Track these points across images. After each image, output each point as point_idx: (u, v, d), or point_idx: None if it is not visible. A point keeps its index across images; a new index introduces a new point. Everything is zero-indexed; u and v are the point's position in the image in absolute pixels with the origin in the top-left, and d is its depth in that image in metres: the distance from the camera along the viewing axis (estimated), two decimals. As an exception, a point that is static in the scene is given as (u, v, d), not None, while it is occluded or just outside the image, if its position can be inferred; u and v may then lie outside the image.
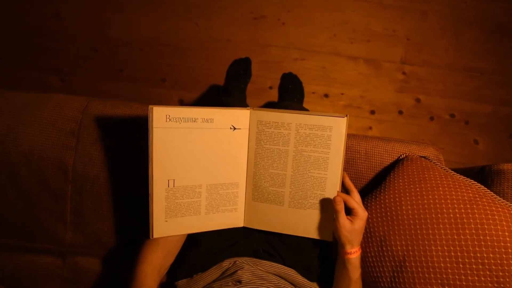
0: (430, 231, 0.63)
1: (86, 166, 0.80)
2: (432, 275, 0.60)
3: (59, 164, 0.79)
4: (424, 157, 0.79)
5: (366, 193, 0.77)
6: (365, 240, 0.70)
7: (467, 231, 0.60)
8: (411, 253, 0.63)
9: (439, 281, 0.59)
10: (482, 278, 0.57)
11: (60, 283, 0.82)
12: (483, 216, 0.60)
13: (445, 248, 0.61)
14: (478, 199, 0.63)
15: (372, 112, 1.47)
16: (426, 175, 0.70)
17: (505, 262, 0.56)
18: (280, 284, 0.61)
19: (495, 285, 0.56)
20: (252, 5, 1.45)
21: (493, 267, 0.56)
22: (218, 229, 0.66)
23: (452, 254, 0.60)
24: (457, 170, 0.74)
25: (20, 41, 1.46)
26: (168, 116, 0.58)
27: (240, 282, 0.58)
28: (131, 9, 1.46)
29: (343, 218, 0.59)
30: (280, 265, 0.67)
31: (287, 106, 1.02)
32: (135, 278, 0.59)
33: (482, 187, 0.67)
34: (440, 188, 0.66)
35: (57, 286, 0.81)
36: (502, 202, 0.62)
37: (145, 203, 0.61)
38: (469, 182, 0.68)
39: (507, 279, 0.55)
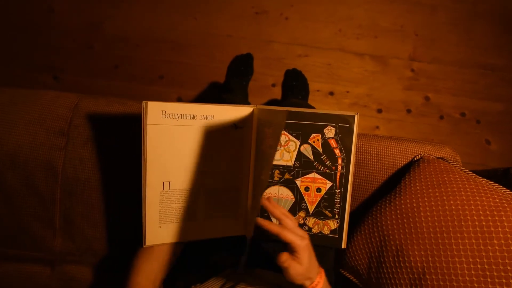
0: (453, 241, 0.57)
1: (77, 168, 0.76)
2: (456, 290, 0.54)
3: (48, 165, 0.75)
4: (442, 158, 0.73)
5: (378, 197, 0.72)
6: (379, 250, 0.64)
7: (495, 241, 0.54)
8: (431, 264, 0.57)
9: (465, 297, 0.53)
10: (514, 294, 0.51)
11: (48, 294, 0.78)
12: (513, 224, 0.54)
13: (470, 260, 0.55)
14: (505, 205, 0.57)
15: (379, 111, 1.42)
16: (445, 178, 0.64)
17: (540, 276, 0.50)
18: (285, 297, 0.56)
19: (529, 302, 0.50)
20: (254, -1, 1.43)
21: (527, 282, 0.50)
22: (217, 237, 0.61)
23: (478, 266, 0.54)
24: (476, 172, 0.68)
25: (11, 37, 1.43)
26: (164, 112, 0.54)
27: None
28: (128, 3, 1.42)
29: (293, 269, 0.49)
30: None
31: (293, 104, 0.97)
32: None
33: (509, 191, 0.61)
34: (463, 193, 0.60)
35: (46, 297, 0.77)
36: (533, 208, 0.56)
37: (139, 208, 0.57)
38: (494, 186, 0.62)
39: (543, 296, 0.49)
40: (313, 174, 0.59)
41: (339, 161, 0.58)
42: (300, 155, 0.59)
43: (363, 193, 0.75)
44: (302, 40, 1.42)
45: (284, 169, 0.60)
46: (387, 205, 0.66)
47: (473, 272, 0.54)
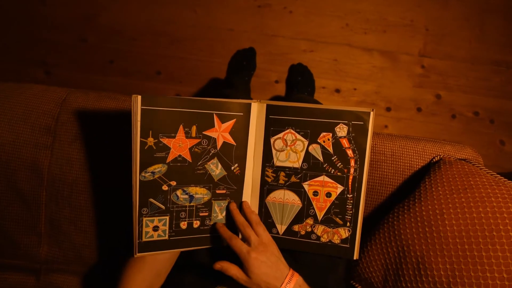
0: (484, 253, 0.50)
1: (63, 168, 0.71)
2: (488, 310, 0.48)
3: (32, 165, 0.71)
4: (464, 159, 0.67)
5: (394, 202, 0.67)
6: (397, 261, 0.58)
7: (533, 254, 0.47)
8: (458, 280, 0.51)
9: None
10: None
11: (32, 306, 0.74)
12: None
13: (504, 275, 0.48)
14: (543, 213, 0.50)
15: (388, 109, 1.37)
16: (471, 182, 0.58)
17: None
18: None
19: None
20: (256, -9, 1.38)
21: None
22: (216, 246, 0.57)
23: (514, 283, 0.47)
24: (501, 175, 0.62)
25: (0, 30, 1.39)
26: (157, 108, 0.50)
27: None
28: (124, -6, 1.39)
29: (234, 270, 0.50)
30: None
31: (300, 99, 0.91)
32: None
33: (544, 197, 0.54)
34: (493, 199, 0.54)
35: (29, 309, 0.74)
36: None
37: (131, 212, 0.52)
38: (527, 191, 0.55)
39: None
40: (322, 177, 0.55)
41: (352, 163, 0.54)
42: (308, 156, 0.55)
43: (377, 198, 0.70)
44: (307, 34, 1.37)
45: (290, 171, 0.55)
46: (406, 211, 0.60)
47: (507, 290, 0.47)
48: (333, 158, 0.54)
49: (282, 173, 0.55)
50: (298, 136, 0.55)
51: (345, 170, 0.54)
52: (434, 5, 1.37)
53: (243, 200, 0.57)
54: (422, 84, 1.37)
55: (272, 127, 0.55)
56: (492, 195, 0.54)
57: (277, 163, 0.56)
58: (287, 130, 0.55)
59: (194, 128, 0.52)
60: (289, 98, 1.09)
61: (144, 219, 0.51)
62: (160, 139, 0.50)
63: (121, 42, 1.38)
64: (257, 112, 0.55)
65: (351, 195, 0.54)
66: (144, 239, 0.52)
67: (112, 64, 1.38)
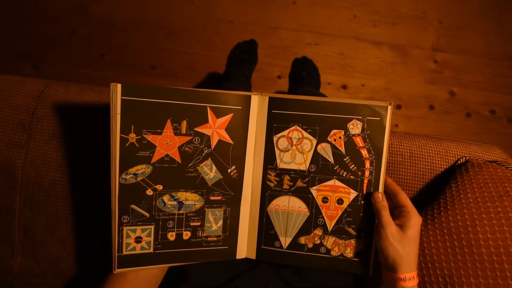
0: (528, 274, 0.42)
1: (39, 170, 0.66)
2: None
3: (4, 167, 0.66)
4: (495, 161, 0.59)
5: None
6: (421, 279, 0.51)
7: None
8: (496, 305, 0.43)
9: None
10: None
11: (4, 324, 0.70)
12: None
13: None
14: None
15: (399, 107, 1.33)
16: (508, 188, 0.52)
17: None
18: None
19: None
20: (258, -19, 1.35)
21: None
22: (206, 261, 0.52)
23: None
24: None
25: None
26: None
27: None
28: (117, -16, 1.37)
29: (388, 222, 0.45)
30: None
31: (307, 92, 0.87)
32: None
33: None
34: (536, 208, 0.46)
35: (1, 328, 0.70)
36: None
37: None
38: None
39: None
40: (333, 181, 0.50)
41: (367, 164, 0.49)
42: (316, 157, 0.50)
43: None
44: (312, 26, 1.33)
45: (296, 174, 0.51)
46: (429, 221, 0.54)
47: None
48: (345, 159, 0.49)
49: (287, 177, 0.51)
50: (305, 134, 0.50)
51: (359, 173, 0.49)
52: (448, -4, 1.34)
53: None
54: (434, 80, 1.33)
55: (275, 124, 0.50)
56: (535, 204, 0.46)
57: (281, 165, 0.51)
58: (293, 127, 0.50)
59: (184, 123, 0.47)
60: (294, 93, 1.04)
61: (125, 228, 0.47)
62: (144, 136, 0.45)
63: (113, 35, 1.35)
64: (258, 106, 0.50)
65: (365, 202, 0.49)
66: (124, 252, 0.47)
67: (103, 58, 1.35)
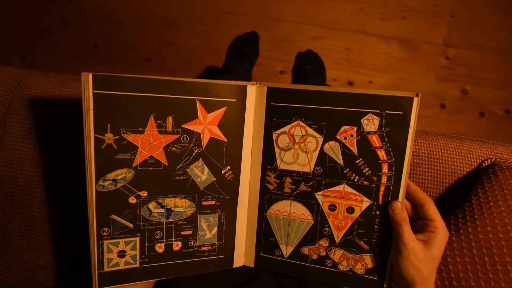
0: None
1: (14, 168, 0.62)
2: None
3: None
4: None
5: None
6: None
7: None
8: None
9: None
10: None
11: None
12: None
13: None
14: None
15: None
16: None
17: None
18: None
19: None
20: (260, -29, 1.34)
21: None
22: (201, 273, 0.49)
23: None
24: None
25: None
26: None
27: None
28: (111, -28, 1.36)
29: (410, 238, 0.39)
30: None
31: (313, 84, 0.81)
32: None
33: None
34: None
35: None
36: None
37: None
38: None
39: None
40: (342, 186, 0.45)
41: (384, 168, 0.43)
42: (323, 158, 0.45)
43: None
44: (317, 19, 1.31)
45: (298, 176, 0.46)
46: (453, 232, 0.49)
47: None
48: (357, 162, 0.44)
49: (288, 179, 0.47)
50: (310, 131, 0.45)
51: (374, 178, 0.43)
52: (461, -12, 1.33)
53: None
54: (446, 78, 1.30)
55: (275, 118, 0.46)
56: None
57: (282, 165, 0.47)
58: (295, 122, 0.45)
59: (169, 119, 0.42)
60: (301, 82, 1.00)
61: (105, 242, 0.43)
62: (123, 135, 0.41)
63: (107, 25, 1.32)
64: (255, 97, 0.46)
65: (381, 212, 0.43)
66: (106, 269, 0.43)
67: (96, 50, 1.33)
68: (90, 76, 0.38)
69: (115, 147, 0.41)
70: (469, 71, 1.29)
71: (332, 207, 0.45)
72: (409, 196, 0.43)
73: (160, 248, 0.45)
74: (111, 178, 0.41)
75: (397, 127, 0.41)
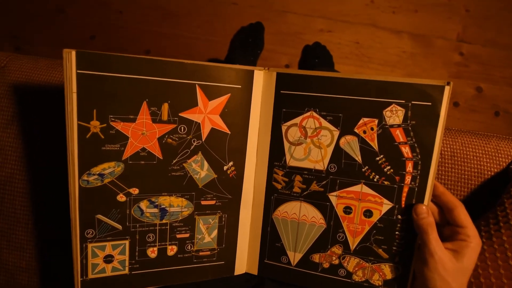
0: None
1: None
2: None
3: None
4: None
5: None
6: None
7: None
8: None
9: None
10: None
11: None
12: None
13: None
14: None
15: None
16: None
17: None
18: None
19: None
20: (265, -40, 1.31)
21: None
22: (198, 281, 0.47)
23: None
24: None
25: None
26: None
27: None
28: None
29: (438, 247, 0.36)
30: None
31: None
32: None
33: None
34: None
35: None
36: None
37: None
38: None
39: None
40: (360, 186, 0.42)
41: (409, 167, 0.40)
42: (339, 154, 0.42)
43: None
44: (325, 11, 1.28)
45: (310, 175, 0.43)
46: (485, 240, 0.46)
47: None
48: (378, 159, 0.40)
49: (298, 178, 0.44)
50: (324, 123, 0.41)
51: (397, 178, 0.40)
52: (476, -19, 1.30)
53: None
54: (460, 75, 1.27)
55: (284, 108, 0.43)
56: None
57: (291, 162, 0.44)
58: (308, 113, 0.42)
59: (165, 107, 0.39)
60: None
61: (90, 245, 0.40)
62: (111, 123, 0.37)
63: (105, 15, 1.30)
64: (262, 84, 0.43)
65: (404, 217, 0.40)
66: (90, 276, 0.41)
67: (93, 41, 1.31)
68: (73, 53, 0.34)
69: (102, 137, 0.37)
70: (483, 68, 1.27)
71: (348, 210, 0.43)
72: (435, 199, 0.40)
73: (152, 253, 0.43)
74: (97, 173, 0.38)
75: (425, 120, 0.38)
